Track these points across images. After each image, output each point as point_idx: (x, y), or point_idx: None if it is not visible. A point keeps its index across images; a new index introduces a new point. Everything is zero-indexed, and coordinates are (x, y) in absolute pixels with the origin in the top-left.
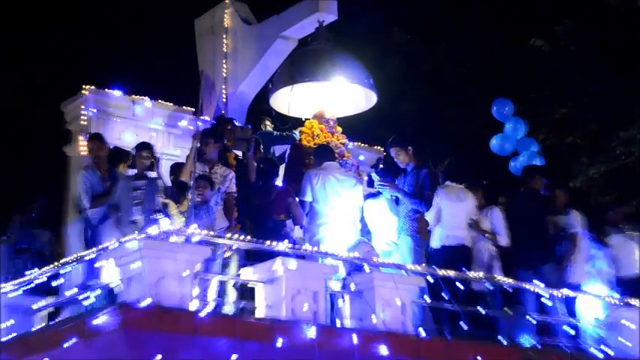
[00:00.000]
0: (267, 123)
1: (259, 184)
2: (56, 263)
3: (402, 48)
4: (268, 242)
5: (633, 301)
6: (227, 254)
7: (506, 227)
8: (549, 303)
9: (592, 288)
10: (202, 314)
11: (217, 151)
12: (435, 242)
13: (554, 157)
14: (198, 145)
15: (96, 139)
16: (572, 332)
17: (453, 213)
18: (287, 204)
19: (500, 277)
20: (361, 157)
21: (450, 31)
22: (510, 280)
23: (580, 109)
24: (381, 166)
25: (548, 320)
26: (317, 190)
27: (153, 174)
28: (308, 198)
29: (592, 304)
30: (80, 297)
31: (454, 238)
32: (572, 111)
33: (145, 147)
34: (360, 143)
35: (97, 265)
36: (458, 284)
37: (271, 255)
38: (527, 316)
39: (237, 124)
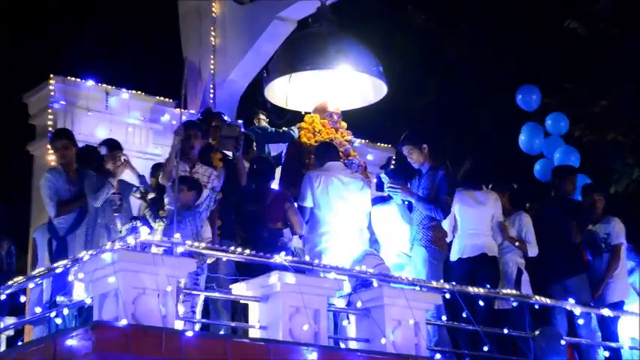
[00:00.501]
0: (262, 117)
1: (252, 188)
2: (18, 279)
3: (416, 31)
4: (263, 254)
5: None
6: (210, 260)
7: (534, 236)
8: (580, 321)
9: (633, 307)
10: (188, 335)
11: (200, 147)
12: (453, 254)
13: (591, 156)
14: (181, 142)
15: (62, 136)
16: (607, 354)
17: (471, 219)
18: (284, 210)
19: (527, 294)
20: (369, 157)
21: (472, 10)
22: (540, 298)
23: (623, 102)
24: (392, 166)
25: (583, 344)
26: (318, 194)
27: (126, 176)
28: (308, 203)
29: (630, 324)
30: (50, 316)
31: (473, 248)
32: (614, 103)
33: (118, 146)
34: (367, 141)
35: (68, 279)
36: (480, 302)
37: (266, 268)
38: (561, 340)
39: (226, 118)
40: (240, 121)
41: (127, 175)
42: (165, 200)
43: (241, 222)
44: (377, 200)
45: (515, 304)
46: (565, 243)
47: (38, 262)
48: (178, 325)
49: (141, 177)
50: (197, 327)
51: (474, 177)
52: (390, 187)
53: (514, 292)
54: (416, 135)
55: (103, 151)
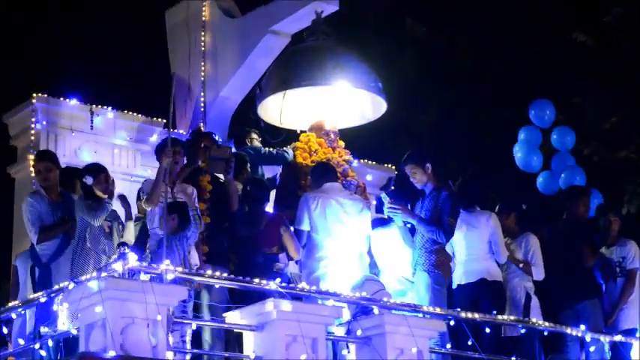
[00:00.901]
0: (254, 136)
1: (245, 211)
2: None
3: (416, 44)
4: (257, 280)
5: None
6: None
7: (542, 259)
8: (592, 349)
9: None
10: None
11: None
12: (454, 281)
13: (602, 175)
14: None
15: (45, 158)
16: None
17: (464, 245)
18: (279, 234)
19: (535, 321)
20: (368, 177)
21: (474, 22)
22: (549, 324)
23: (635, 118)
24: (393, 187)
25: None
26: (316, 216)
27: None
28: (305, 226)
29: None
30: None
31: (472, 274)
32: (626, 120)
33: (102, 168)
34: (366, 160)
35: (53, 308)
36: (486, 329)
37: (262, 295)
38: None
39: (217, 139)
40: (230, 141)
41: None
42: (148, 225)
43: (234, 247)
44: (377, 223)
45: (523, 330)
46: (577, 267)
47: (20, 291)
48: (169, 356)
49: (122, 197)
50: (188, 357)
51: (465, 199)
52: (391, 207)
53: (521, 318)
54: (419, 154)
55: (89, 181)
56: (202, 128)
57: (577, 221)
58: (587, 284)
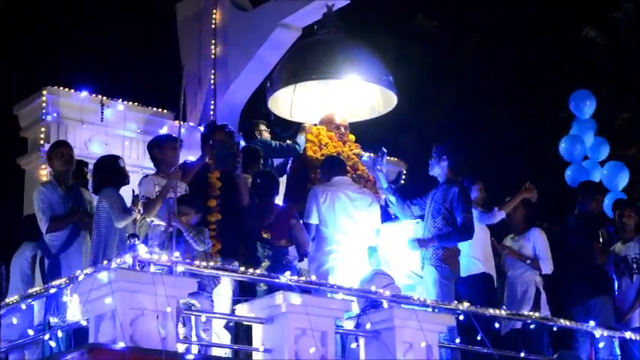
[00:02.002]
0: (263, 129)
1: (255, 204)
2: (8, 300)
3: (428, 38)
4: (267, 273)
5: None
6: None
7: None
8: (601, 345)
9: None
10: (189, 358)
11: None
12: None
13: None
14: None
15: (66, 144)
16: None
17: None
18: (289, 227)
19: (547, 317)
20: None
21: (486, 18)
22: (559, 320)
23: None
24: (402, 182)
25: None
26: (324, 210)
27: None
28: (314, 220)
29: None
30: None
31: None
32: (637, 116)
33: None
34: (376, 154)
35: (62, 299)
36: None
37: (271, 289)
38: None
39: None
40: (238, 138)
41: None
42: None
43: (244, 240)
44: (388, 216)
45: (532, 326)
46: (588, 263)
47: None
48: (179, 347)
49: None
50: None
51: None
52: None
53: (534, 314)
54: (443, 147)
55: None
56: (215, 121)
57: (588, 217)
58: (597, 281)
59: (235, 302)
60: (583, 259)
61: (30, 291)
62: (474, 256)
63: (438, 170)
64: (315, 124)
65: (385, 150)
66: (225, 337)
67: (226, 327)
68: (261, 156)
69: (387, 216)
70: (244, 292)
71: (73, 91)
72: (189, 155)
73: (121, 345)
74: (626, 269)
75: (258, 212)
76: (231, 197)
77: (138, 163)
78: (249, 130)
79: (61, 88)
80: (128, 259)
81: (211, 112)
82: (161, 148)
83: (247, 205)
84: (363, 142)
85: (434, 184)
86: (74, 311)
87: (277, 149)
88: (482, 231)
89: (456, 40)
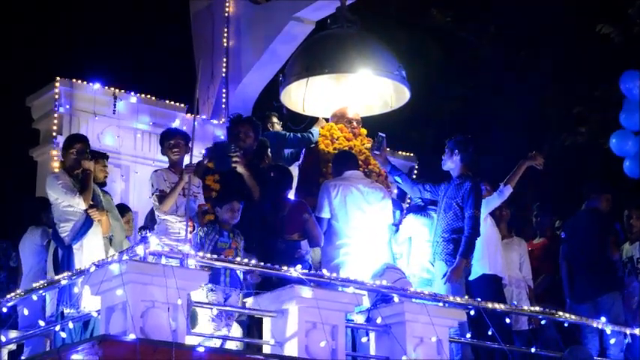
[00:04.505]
0: (275, 121)
1: (268, 197)
2: (19, 291)
3: (441, 33)
4: (278, 267)
5: None
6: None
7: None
8: (612, 341)
9: None
10: (200, 350)
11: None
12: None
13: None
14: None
15: (79, 143)
16: None
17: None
18: (302, 221)
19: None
20: None
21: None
22: (572, 316)
23: None
24: (414, 176)
25: None
26: (336, 204)
27: None
28: (325, 214)
29: None
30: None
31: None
32: None
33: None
34: (388, 149)
35: (75, 291)
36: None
37: (282, 282)
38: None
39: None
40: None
41: None
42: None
43: (256, 234)
44: (410, 209)
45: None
46: (600, 259)
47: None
48: (189, 340)
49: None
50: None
51: None
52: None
53: (540, 309)
54: (452, 141)
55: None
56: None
57: (600, 212)
58: (608, 277)
59: (247, 295)
60: (595, 256)
61: (42, 282)
62: (481, 257)
63: (451, 165)
64: (327, 119)
65: (384, 135)
66: (237, 331)
67: (238, 321)
68: (268, 147)
69: (410, 208)
70: (262, 286)
71: (85, 83)
72: (202, 147)
73: (131, 337)
74: (632, 269)
75: (270, 206)
76: (243, 193)
77: (150, 155)
78: (262, 122)
79: (74, 80)
80: (140, 250)
81: (223, 105)
82: (162, 146)
83: (259, 198)
84: (375, 137)
85: (447, 179)
86: (87, 302)
87: (291, 140)
88: (490, 232)
89: (469, 34)
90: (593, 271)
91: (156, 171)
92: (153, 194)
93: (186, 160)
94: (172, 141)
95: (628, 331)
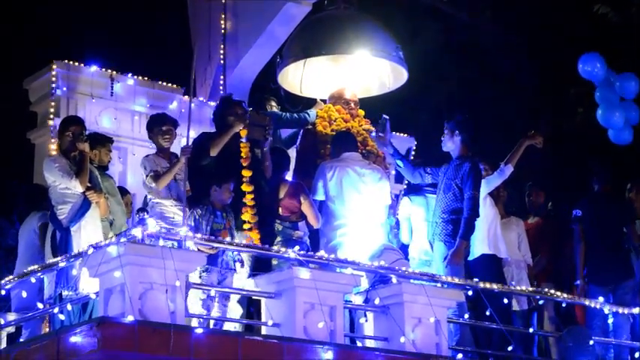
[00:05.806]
0: (273, 103)
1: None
2: (17, 274)
3: (438, 13)
4: (276, 248)
5: None
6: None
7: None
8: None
9: None
10: (198, 332)
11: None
12: None
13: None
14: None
15: (74, 126)
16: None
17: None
18: (299, 202)
19: (549, 291)
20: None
21: None
22: (565, 295)
23: None
24: (412, 157)
25: (612, 343)
26: (331, 186)
27: None
28: (320, 196)
29: None
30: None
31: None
32: None
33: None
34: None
35: (73, 273)
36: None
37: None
38: (590, 340)
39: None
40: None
41: None
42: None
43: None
44: (408, 191)
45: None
46: (621, 246)
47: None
48: (187, 321)
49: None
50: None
51: None
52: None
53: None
54: (452, 122)
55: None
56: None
57: (623, 201)
58: (625, 263)
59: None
60: (618, 241)
61: (40, 265)
62: (480, 237)
63: (451, 146)
64: (325, 100)
65: (387, 117)
66: (237, 312)
67: (239, 301)
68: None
69: (408, 190)
70: (260, 267)
71: (83, 65)
72: (199, 130)
73: (130, 319)
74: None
75: (270, 187)
76: (258, 169)
77: (147, 137)
78: (259, 104)
79: (71, 62)
80: (137, 232)
81: (221, 87)
82: (150, 131)
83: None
84: (372, 118)
85: (446, 160)
86: (84, 285)
87: (288, 120)
88: (489, 212)
89: (467, 15)
90: (614, 257)
91: (147, 156)
92: (147, 176)
93: (183, 142)
94: (165, 127)
95: (635, 311)
